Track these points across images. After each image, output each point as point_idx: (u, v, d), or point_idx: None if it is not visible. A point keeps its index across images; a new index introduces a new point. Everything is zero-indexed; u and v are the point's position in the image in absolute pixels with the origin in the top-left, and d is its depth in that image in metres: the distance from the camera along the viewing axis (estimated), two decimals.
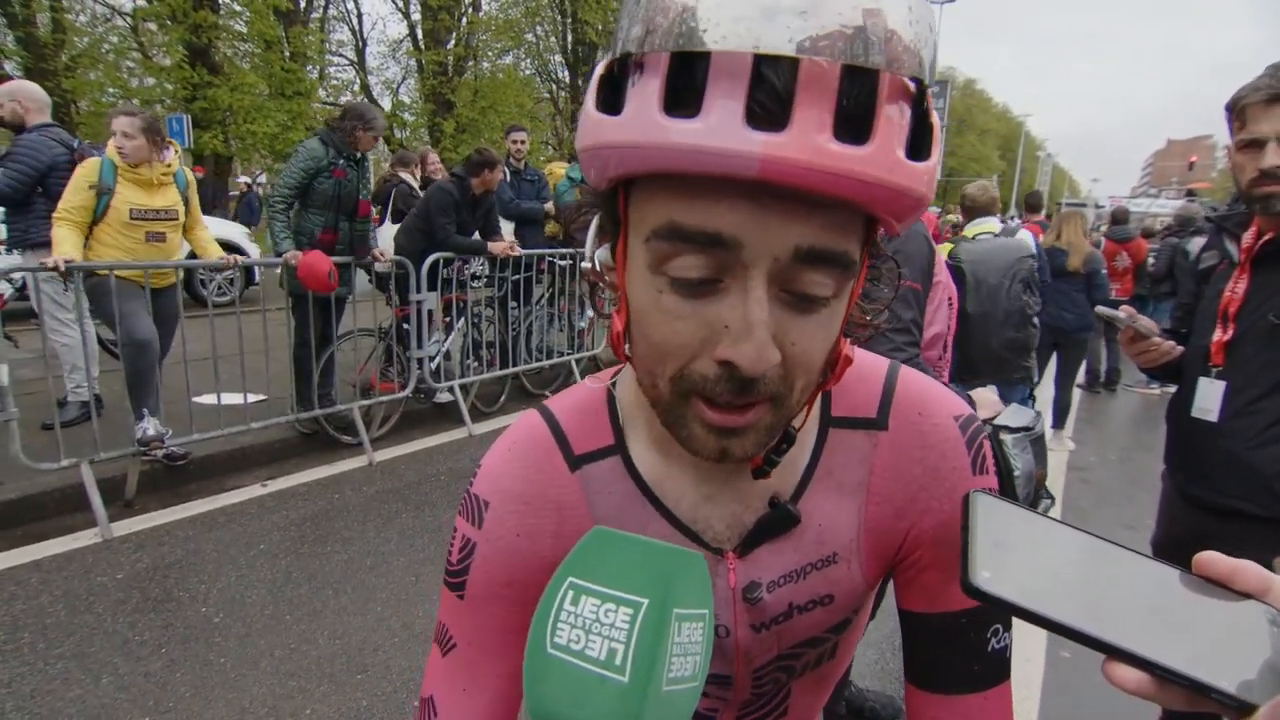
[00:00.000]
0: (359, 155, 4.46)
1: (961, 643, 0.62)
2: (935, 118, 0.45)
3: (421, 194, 6.09)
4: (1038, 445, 2.01)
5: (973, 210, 4.03)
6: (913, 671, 0.65)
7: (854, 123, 0.41)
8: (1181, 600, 0.36)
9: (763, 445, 0.52)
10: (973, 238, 3.82)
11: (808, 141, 0.40)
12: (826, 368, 0.53)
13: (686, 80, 0.41)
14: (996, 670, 0.62)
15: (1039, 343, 3.86)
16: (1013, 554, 0.38)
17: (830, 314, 0.48)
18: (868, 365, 0.65)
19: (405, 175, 6.33)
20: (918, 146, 0.44)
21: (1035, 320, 3.68)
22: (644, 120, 0.42)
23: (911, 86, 0.42)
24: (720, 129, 0.40)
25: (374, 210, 6.41)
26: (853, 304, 0.52)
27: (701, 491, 0.63)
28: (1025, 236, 4.07)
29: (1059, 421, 5.66)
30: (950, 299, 1.89)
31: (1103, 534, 0.39)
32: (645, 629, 0.42)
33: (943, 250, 4.01)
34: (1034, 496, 1.97)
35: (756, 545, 0.63)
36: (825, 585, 0.64)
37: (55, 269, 3.41)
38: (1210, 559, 0.37)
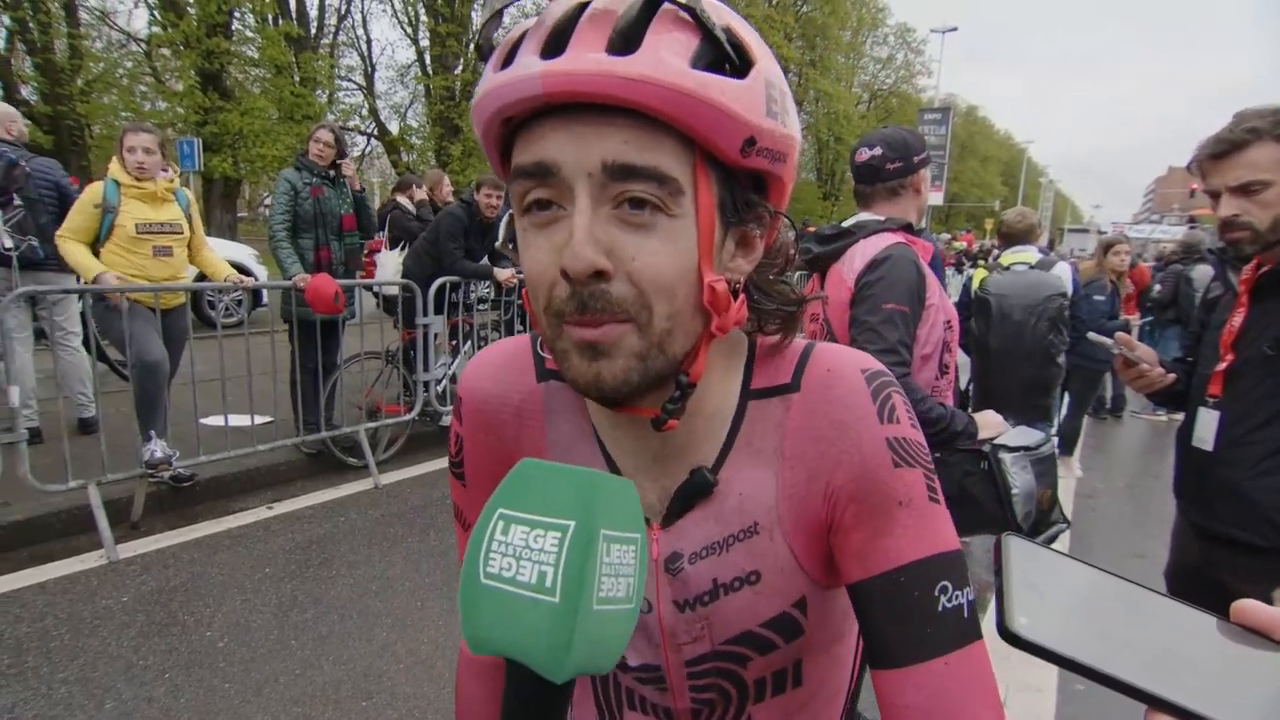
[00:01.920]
0: (332, 174, 4.56)
1: (906, 605, 0.57)
2: (751, 45, 0.52)
3: (415, 217, 6.12)
4: (1043, 464, 1.97)
5: (1009, 237, 3.85)
6: (869, 653, 0.60)
7: (626, 41, 0.48)
8: (1220, 649, 0.36)
9: (635, 374, 0.53)
10: (1008, 267, 3.69)
11: (579, 56, 0.48)
12: (700, 306, 0.55)
13: (518, 50, 0.52)
14: (956, 631, 0.57)
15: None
16: (1048, 599, 0.38)
17: (670, 234, 0.52)
18: (794, 345, 0.67)
19: (401, 199, 6.26)
20: (726, 66, 0.51)
21: (1060, 360, 3.54)
22: (483, 81, 0.53)
23: (687, 16, 0.50)
24: (519, 67, 0.50)
25: (378, 235, 6.46)
26: (707, 231, 0.54)
27: (634, 460, 0.66)
28: (1061, 270, 3.80)
29: (1067, 449, 5.63)
30: (950, 322, 1.88)
31: (1110, 563, 0.39)
32: (573, 550, 0.42)
33: (975, 278, 3.96)
34: (1037, 515, 1.94)
35: (679, 516, 0.65)
36: (749, 560, 0.63)
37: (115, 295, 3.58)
38: (1249, 608, 0.37)
